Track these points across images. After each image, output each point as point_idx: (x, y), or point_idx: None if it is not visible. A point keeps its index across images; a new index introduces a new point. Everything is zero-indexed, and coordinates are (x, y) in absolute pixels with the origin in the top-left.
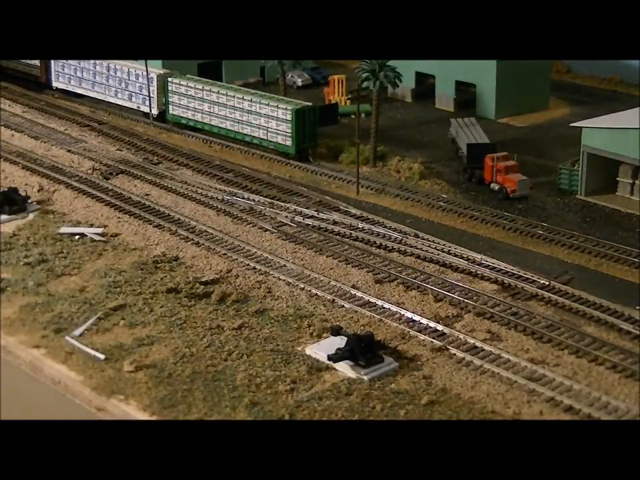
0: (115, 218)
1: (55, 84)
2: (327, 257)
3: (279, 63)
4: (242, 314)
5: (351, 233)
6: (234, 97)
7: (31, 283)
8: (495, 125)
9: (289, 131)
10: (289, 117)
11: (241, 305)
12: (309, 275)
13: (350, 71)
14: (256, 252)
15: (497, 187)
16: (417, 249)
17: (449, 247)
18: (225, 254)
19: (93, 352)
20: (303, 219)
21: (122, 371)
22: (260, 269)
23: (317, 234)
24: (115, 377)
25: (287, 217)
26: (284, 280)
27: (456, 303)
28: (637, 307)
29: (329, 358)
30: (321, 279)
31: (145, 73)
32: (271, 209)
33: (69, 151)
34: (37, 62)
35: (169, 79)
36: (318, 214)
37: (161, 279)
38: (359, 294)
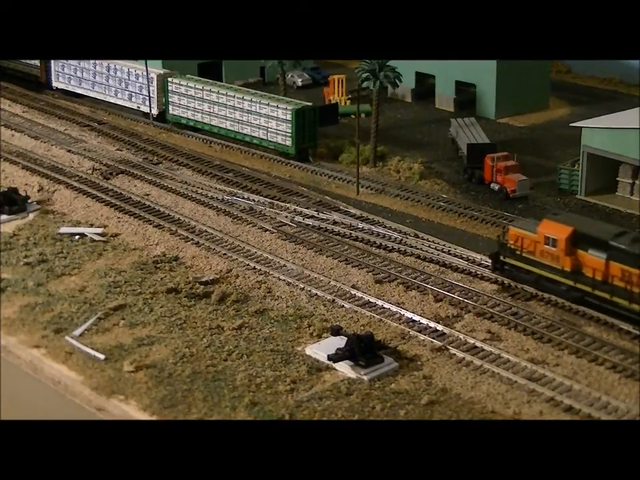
0: (115, 218)
1: (54, 84)
2: (327, 257)
3: (279, 63)
4: (242, 314)
5: (350, 233)
6: (234, 97)
7: (30, 283)
8: (495, 125)
9: (289, 131)
10: (289, 117)
11: (241, 305)
12: (309, 275)
13: (350, 71)
14: (256, 252)
15: (496, 187)
16: (417, 249)
17: (449, 247)
18: (225, 254)
19: (93, 352)
20: (303, 219)
21: (122, 370)
22: (260, 269)
23: (317, 234)
24: (115, 376)
25: (286, 216)
26: (284, 280)
27: (456, 302)
28: None
29: (329, 358)
30: (321, 279)
31: (145, 73)
32: (271, 209)
33: (69, 151)
34: (36, 62)
35: (169, 79)
36: (318, 214)
37: (161, 279)
38: (359, 294)
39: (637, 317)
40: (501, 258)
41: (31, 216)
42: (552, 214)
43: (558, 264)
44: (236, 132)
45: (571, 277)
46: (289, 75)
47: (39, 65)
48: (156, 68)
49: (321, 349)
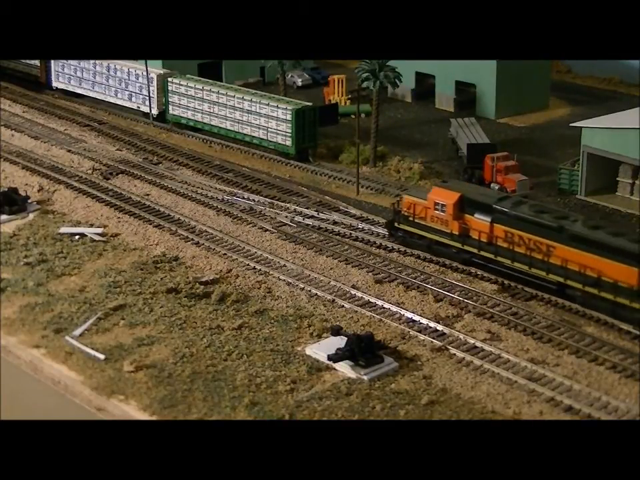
0: (115, 218)
1: (54, 84)
2: (326, 257)
3: (279, 63)
4: (242, 314)
5: (350, 233)
6: (234, 97)
7: (31, 283)
8: (495, 125)
9: (289, 131)
10: (289, 117)
11: (241, 305)
12: (309, 275)
13: (350, 70)
14: (256, 252)
15: (496, 187)
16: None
17: None
18: (225, 254)
19: (93, 352)
20: (303, 219)
21: (122, 370)
22: (260, 269)
23: (317, 234)
24: (115, 376)
25: (286, 217)
26: (284, 280)
27: (456, 302)
28: None
29: (329, 358)
30: (321, 279)
31: (145, 73)
32: (271, 209)
33: (69, 151)
34: (36, 62)
35: (169, 79)
36: (318, 214)
37: (161, 279)
38: (359, 294)
39: (519, 275)
40: (396, 225)
41: (31, 216)
42: (441, 182)
43: (447, 228)
44: (236, 132)
45: (459, 240)
46: (289, 75)
47: (39, 65)
48: (156, 68)
49: (321, 349)
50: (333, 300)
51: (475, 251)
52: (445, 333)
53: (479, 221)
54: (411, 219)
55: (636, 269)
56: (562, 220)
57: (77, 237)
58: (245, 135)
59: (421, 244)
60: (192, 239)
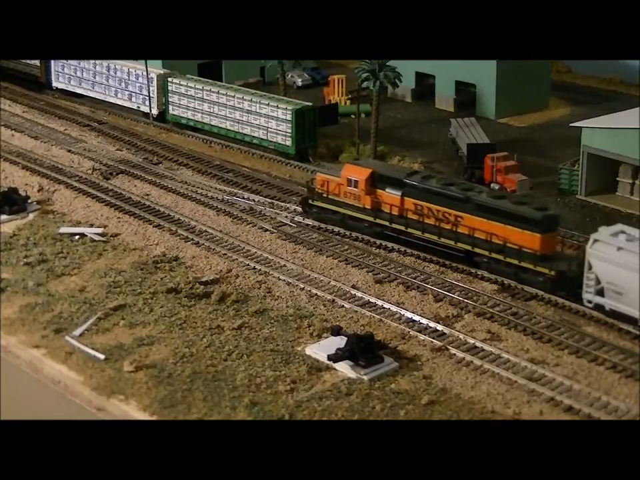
0: (115, 218)
1: (54, 84)
2: (326, 257)
3: (279, 63)
4: (242, 314)
5: (351, 233)
6: (234, 96)
7: (30, 283)
8: (495, 125)
9: (289, 131)
10: (289, 117)
11: (241, 305)
12: (309, 275)
13: (350, 70)
14: (256, 252)
15: (497, 187)
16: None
17: None
18: (225, 254)
19: (93, 352)
20: (303, 219)
21: (122, 371)
22: (260, 269)
23: (317, 234)
24: (115, 376)
25: (286, 217)
26: (284, 280)
27: (456, 302)
28: None
29: (329, 358)
30: (321, 279)
31: (145, 73)
32: (271, 209)
33: (69, 151)
34: (37, 62)
35: (169, 79)
36: None
37: (161, 279)
38: (359, 294)
39: (428, 245)
40: (310, 202)
41: (31, 216)
42: (353, 160)
43: (360, 203)
44: (236, 132)
45: (372, 214)
46: (289, 75)
47: (39, 64)
48: (156, 68)
49: (321, 349)
50: (333, 300)
51: (387, 223)
52: (445, 333)
53: (390, 195)
54: (324, 195)
55: (538, 235)
56: (468, 191)
57: (76, 236)
58: (245, 134)
59: (335, 219)
60: (192, 239)
